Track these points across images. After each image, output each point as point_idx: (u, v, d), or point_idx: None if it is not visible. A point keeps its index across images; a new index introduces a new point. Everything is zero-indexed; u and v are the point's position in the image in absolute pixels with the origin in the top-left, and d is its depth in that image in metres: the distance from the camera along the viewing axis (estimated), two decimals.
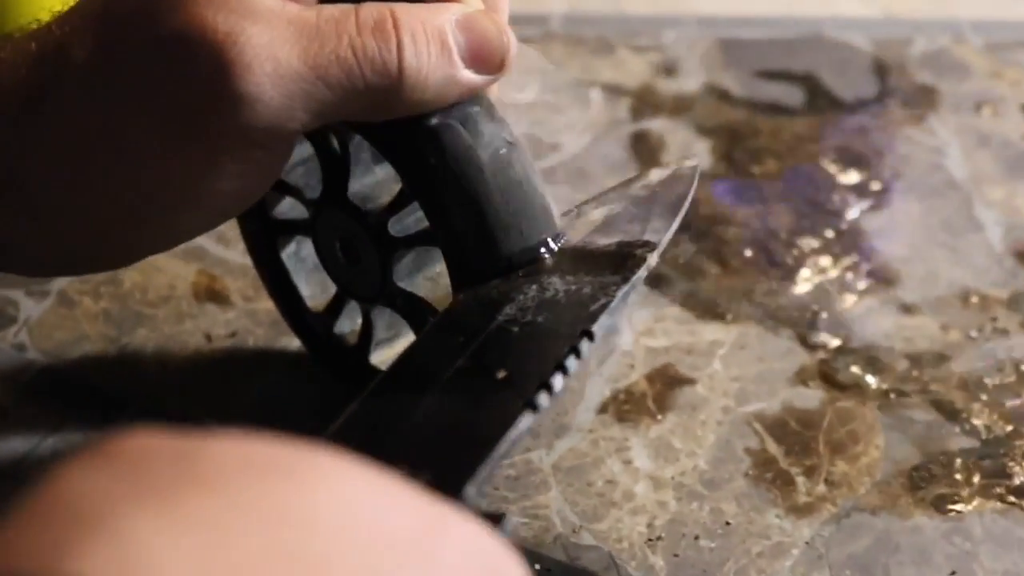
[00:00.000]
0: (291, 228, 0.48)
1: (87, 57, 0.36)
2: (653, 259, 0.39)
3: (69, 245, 0.41)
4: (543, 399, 0.32)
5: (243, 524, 0.21)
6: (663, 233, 0.40)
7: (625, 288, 0.37)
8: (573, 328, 0.35)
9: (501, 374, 0.33)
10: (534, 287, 0.38)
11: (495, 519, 0.27)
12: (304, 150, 0.45)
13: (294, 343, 0.52)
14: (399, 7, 0.37)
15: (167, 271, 0.58)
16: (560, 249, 0.40)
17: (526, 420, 0.32)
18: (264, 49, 0.35)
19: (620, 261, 0.39)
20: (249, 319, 0.55)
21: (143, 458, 0.22)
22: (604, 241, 0.40)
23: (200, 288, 0.57)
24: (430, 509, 0.24)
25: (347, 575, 0.21)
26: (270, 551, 0.21)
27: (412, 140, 0.39)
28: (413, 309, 0.44)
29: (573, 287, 0.38)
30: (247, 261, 0.51)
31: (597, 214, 0.43)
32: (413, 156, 0.39)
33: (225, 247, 0.59)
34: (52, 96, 0.37)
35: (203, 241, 0.60)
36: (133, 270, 0.58)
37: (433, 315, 0.43)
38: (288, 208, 0.48)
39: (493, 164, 0.39)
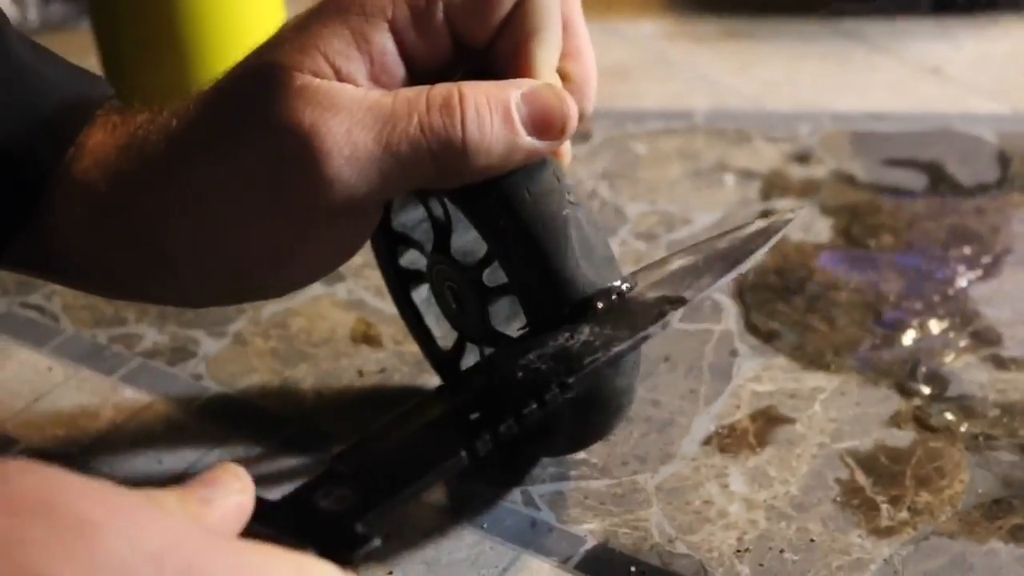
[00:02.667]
0: (417, 277, 0.55)
1: (206, 136, 0.44)
2: (674, 317, 0.43)
3: (198, 289, 0.48)
4: (481, 445, 0.38)
5: None
6: (702, 292, 0.44)
7: (624, 345, 0.42)
8: (556, 378, 0.41)
9: (474, 416, 0.39)
10: (565, 335, 0.43)
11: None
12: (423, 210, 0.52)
13: (435, 379, 0.58)
14: (468, 84, 0.42)
15: (329, 318, 0.66)
16: (616, 300, 0.45)
17: (455, 462, 0.38)
18: (343, 136, 0.41)
19: (647, 315, 0.43)
20: (397, 359, 0.62)
21: None
22: (652, 295, 0.45)
23: (357, 332, 0.64)
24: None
25: None
26: None
27: (485, 202, 0.44)
28: None
29: (590, 339, 0.42)
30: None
31: (675, 264, 0.47)
32: (486, 217, 0.45)
33: (381, 299, 0.66)
34: (181, 170, 0.44)
35: (362, 294, 0.67)
36: (300, 316, 0.66)
37: None
38: (415, 259, 0.54)
39: (554, 223, 0.44)
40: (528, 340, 0.44)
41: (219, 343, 0.64)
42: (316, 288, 0.68)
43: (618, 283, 0.45)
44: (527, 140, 0.43)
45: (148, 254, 0.46)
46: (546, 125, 0.43)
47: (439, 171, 0.42)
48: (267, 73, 0.42)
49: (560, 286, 0.44)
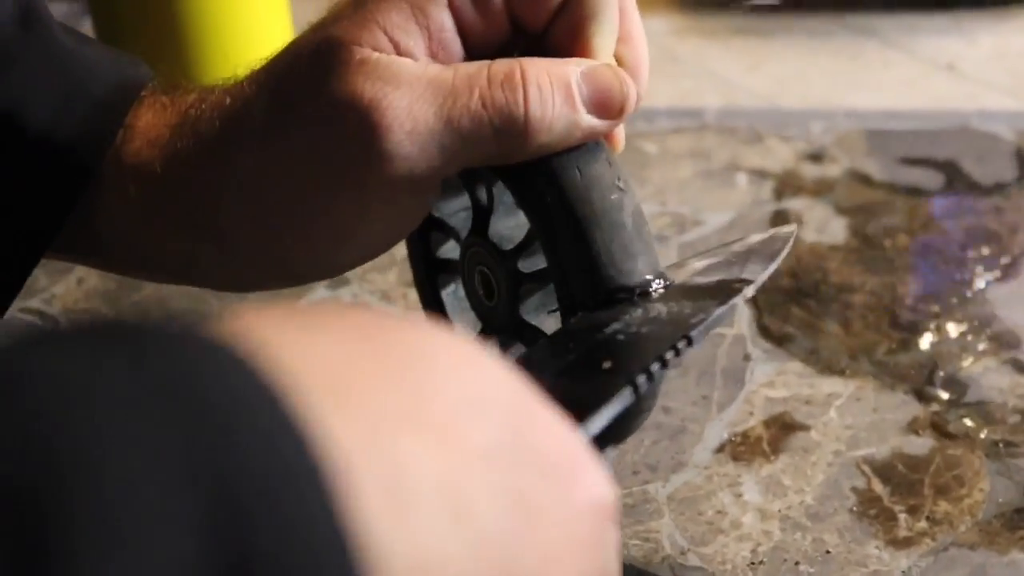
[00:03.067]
0: (451, 268, 0.53)
1: (262, 116, 0.43)
2: (750, 291, 0.42)
3: (249, 271, 0.47)
4: (642, 380, 0.36)
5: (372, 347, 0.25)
6: (759, 274, 0.44)
7: (723, 308, 0.41)
8: (674, 334, 0.39)
9: (607, 364, 0.38)
10: (639, 311, 0.42)
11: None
12: (466, 199, 0.51)
13: None
14: (528, 60, 0.42)
15: None
16: (663, 288, 0.44)
17: (625, 396, 0.35)
18: (403, 111, 0.40)
19: (718, 292, 0.43)
20: None
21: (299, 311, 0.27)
22: (704, 280, 0.44)
23: None
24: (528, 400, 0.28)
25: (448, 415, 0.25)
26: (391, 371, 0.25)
27: (535, 179, 0.43)
28: (536, 342, 0.49)
29: (675, 309, 0.42)
30: (406, 315, 0.57)
31: (699, 264, 0.47)
32: (534, 194, 0.44)
33: (387, 303, 0.65)
34: (237, 148, 0.43)
35: (368, 298, 0.66)
36: None
37: None
38: (450, 249, 0.53)
39: (602, 205, 0.43)
40: (588, 317, 0.43)
41: None
42: (320, 292, 0.67)
43: (659, 276, 0.44)
44: (587, 119, 0.42)
45: (203, 233, 0.45)
46: (606, 105, 0.42)
47: (499, 146, 0.41)
48: (325, 48, 0.41)
49: (600, 270, 0.43)
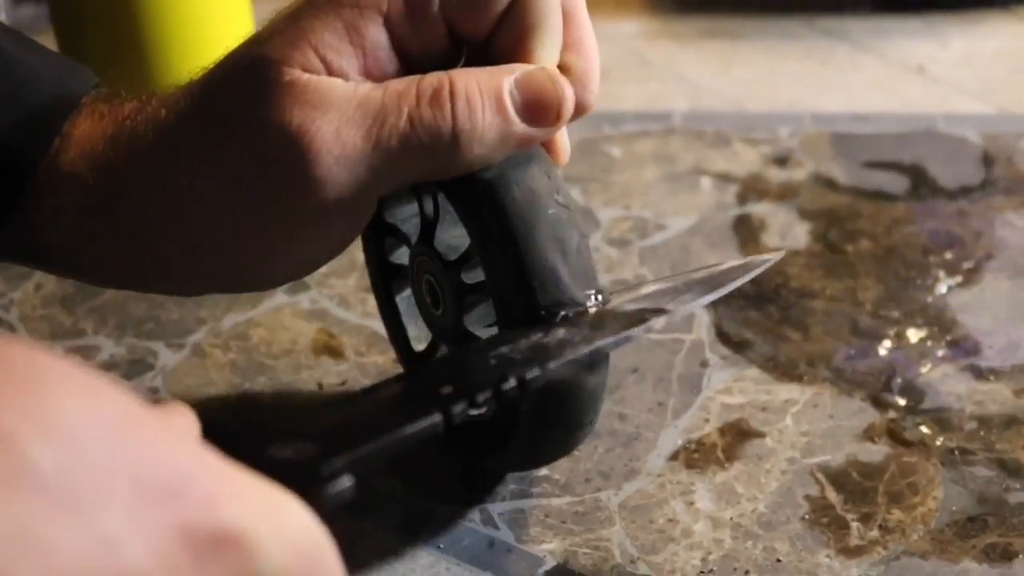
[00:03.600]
0: (404, 273, 0.53)
1: (193, 130, 0.42)
2: (657, 322, 0.42)
3: (185, 280, 0.47)
4: (459, 408, 0.36)
5: None
6: (685, 305, 0.43)
7: (599, 343, 0.40)
8: (535, 362, 0.39)
9: (447, 390, 0.37)
10: (540, 334, 0.41)
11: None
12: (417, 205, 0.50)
13: None
14: (458, 72, 0.41)
15: (291, 329, 0.64)
16: (593, 310, 0.43)
17: (429, 420, 0.35)
18: (331, 136, 0.39)
19: (627, 322, 0.42)
20: (359, 371, 0.60)
21: None
22: (630, 307, 0.43)
23: (319, 344, 0.63)
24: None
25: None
26: None
27: (471, 193, 0.43)
28: None
29: (567, 337, 0.41)
30: (363, 321, 0.56)
31: (649, 289, 0.46)
32: (471, 207, 0.43)
33: (345, 309, 0.65)
34: (169, 163, 0.43)
35: (326, 304, 0.65)
36: (261, 327, 0.64)
37: None
38: (403, 254, 0.53)
39: (538, 221, 0.42)
40: (499, 337, 0.42)
41: (177, 355, 0.62)
42: (279, 298, 0.66)
43: (595, 293, 0.43)
44: (520, 127, 0.41)
45: (135, 247, 0.45)
46: (541, 110, 0.42)
47: (430, 164, 0.41)
48: (255, 67, 0.41)
49: (536, 287, 0.42)
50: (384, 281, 0.54)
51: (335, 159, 0.40)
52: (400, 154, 0.40)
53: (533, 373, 0.38)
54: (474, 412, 0.37)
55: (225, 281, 0.47)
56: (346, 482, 0.29)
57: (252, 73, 0.41)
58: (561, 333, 0.41)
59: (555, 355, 0.39)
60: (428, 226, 0.49)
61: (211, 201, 0.42)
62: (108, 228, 0.44)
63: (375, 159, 0.40)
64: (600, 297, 0.44)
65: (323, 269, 0.56)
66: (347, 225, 0.43)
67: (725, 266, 0.48)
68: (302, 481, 0.27)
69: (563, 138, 0.46)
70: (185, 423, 0.28)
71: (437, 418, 0.35)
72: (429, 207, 0.49)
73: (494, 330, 0.49)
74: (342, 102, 0.40)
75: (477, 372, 0.39)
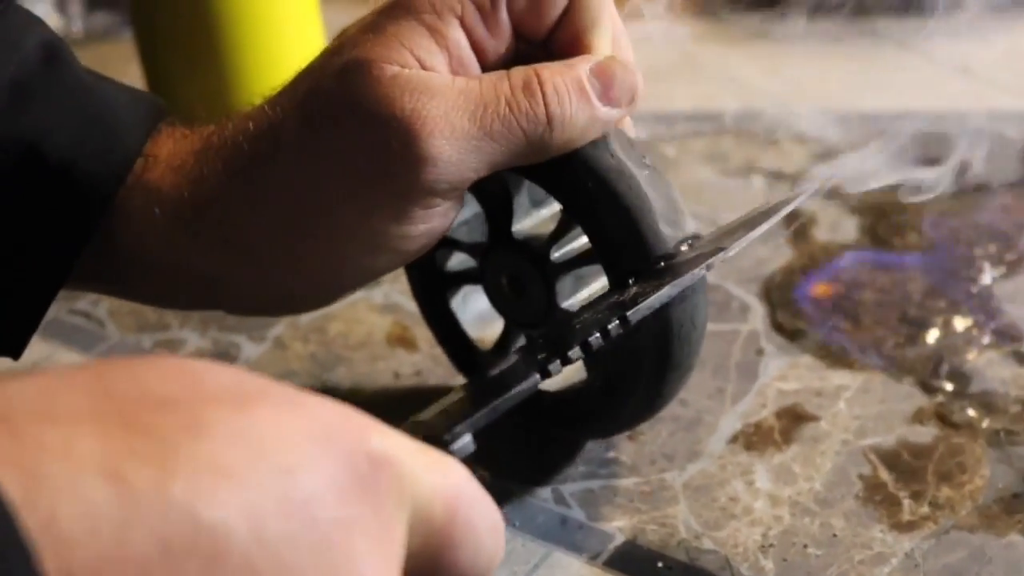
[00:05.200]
0: (460, 279, 0.56)
1: (296, 134, 0.46)
2: (716, 261, 0.46)
3: (282, 289, 0.49)
4: (556, 367, 0.40)
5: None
6: (739, 240, 0.47)
7: (667, 289, 0.44)
8: (614, 315, 0.43)
9: (542, 355, 0.41)
10: (615, 295, 0.46)
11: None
12: (467, 212, 0.54)
13: None
14: (542, 66, 0.45)
15: (366, 322, 0.68)
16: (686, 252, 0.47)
17: (533, 380, 0.39)
18: (442, 119, 0.43)
19: (692, 264, 0.46)
20: (432, 361, 0.64)
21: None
22: (694, 254, 0.47)
23: (393, 336, 0.66)
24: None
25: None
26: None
27: (571, 171, 0.47)
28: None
29: (640, 291, 0.45)
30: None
31: (722, 229, 0.50)
32: (572, 184, 0.47)
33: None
34: (269, 166, 0.46)
35: (398, 298, 0.69)
36: (337, 320, 0.67)
37: None
38: (457, 263, 0.56)
39: (639, 179, 0.47)
40: (584, 307, 0.47)
41: (259, 347, 0.66)
42: (353, 293, 0.70)
43: (692, 235, 0.48)
44: (603, 110, 0.46)
45: (231, 251, 0.47)
46: (618, 95, 0.46)
47: (529, 146, 0.45)
48: (354, 67, 0.44)
49: (646, 239, 0.47)
50: (440, 292, 0.57)
51: (446, 138, 0.43)
52: (502, 137, 0.44)
53: (613, 323, 0.43)
54: (565, 367, 0.41)
55: (329, 278, 0.49)
56: (466, 439, 0.34)
57: (350, 71, 0.44)
58: (634, 289, 0.45)
59: (630, 307, 0.43)
60: (504, 221, 0.52)
61: (319, 193, 0.45)
62: (204, 237, 0.47)
63: (481, 140, 0.44)
64: (696, 241, 0.48)
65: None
66: (447, 208, 0.46)
67: (768, 205, 0.52)
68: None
69: (628, 121, 0.50)
70: None
71: (536, 377, 0.39)
72: (495, 202, 0.52)
73: (582, 299, 0.53)
74: (445, 90, 0.44)
75: (567, 336, 0.43)
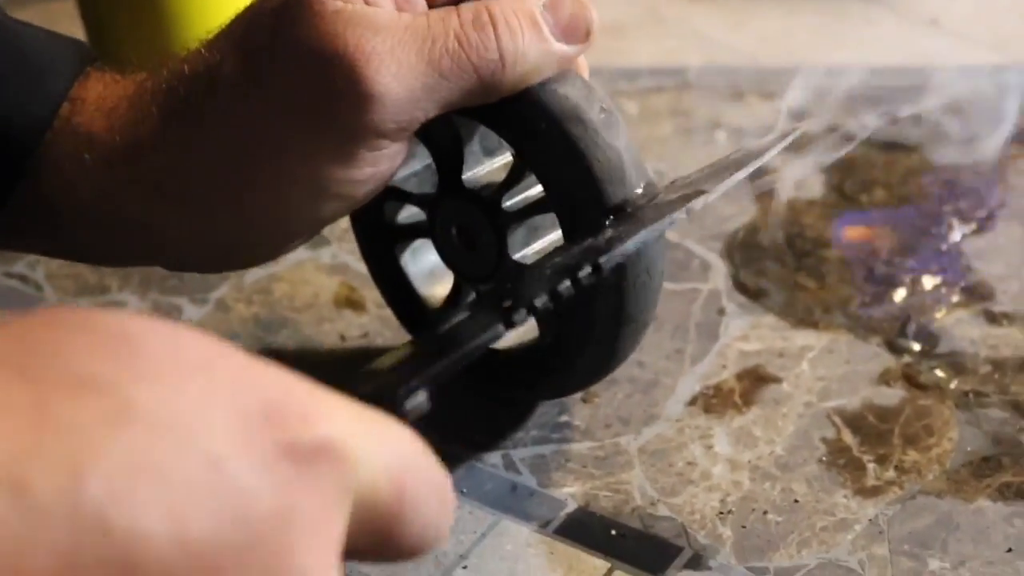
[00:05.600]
0: (409, 232, 0.54)
1: (234, 72, 0.43)
2: (696, 204, 0.44)
3: (222, 239, 0.47)
4: (519, 316, 0.38)
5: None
6: (722, 183, 0.46)
7: (642, 234, 0.42)
8: (586, 262, 0.40)
9: (506, 304, 0.38)
10: (589, 239, 0.43)
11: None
12: (416, 164, 0.51)
13: None
14: (492, 1, 0.43)
15: (313, 283, 0.65)
16: (642, 201, 0.45)
17: (496, 331, 0.37)
18: (388, 54, 0.41)
19: (672, 208, 0.44)
20: (380, 323, 0.61)
21: None
22: (672, 196, 0.45)
23: (340, 297, 0.64)
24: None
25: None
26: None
27: (523, 111, 0.45)
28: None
29: (615, 235, 0.42)
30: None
31: (687, 179, 0.48)
32: (524, 125, 0.45)
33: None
34: (206, 108, 0.43)
35: (346, 258, 0.66)
36: (283, 281, 0.65)
37: None
38: (406, 216, 0.54)
39: (595, 122, 0.44)
40: (553, 252, 0.44)
41: (201, 310, 0.63)
42: (300, 252, 0.67)
43: (648, 185, 0.46)
44: (557, 46, 0.44)
45: (168, 198, 0.45)
46: (572, 29, 0.44)
47: (480, 83, 0.43)
48: (295, 4, 0.42)
49: (604, 187, 0.44)
50: (388, 246, 0.54)
51: (392, 75, 0.41)
52: (452, 74, 0.42)
53: (584, 272, 0.40)
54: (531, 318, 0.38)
55: (272, 226, 0.46)
56: (421, 397, 0.31)
57: (292, 9, 0.42)
58: (609, 232, 0.43)
59: (604, 253, 0.41)
60: (454, 169, 0.49)
61: (261, 133, 0.43)
62: (139, 184, 0.45)
63: (429, 77, 0.42)
64: (652, 189, 0.45)
65: (343, 223, 0.57)
66: (395, 151, 0.44)
67: (755, 145, 0.50)
68: (384, 407, 0.28)
69: (583, 61, 0.48)
70: None
71: (499, 328, 0.37)
72: (444, 154, 0.50)
73: (531, 255, 0.50)
74: (391, 26, 0.41)
75: (534, 283, 0.40)
